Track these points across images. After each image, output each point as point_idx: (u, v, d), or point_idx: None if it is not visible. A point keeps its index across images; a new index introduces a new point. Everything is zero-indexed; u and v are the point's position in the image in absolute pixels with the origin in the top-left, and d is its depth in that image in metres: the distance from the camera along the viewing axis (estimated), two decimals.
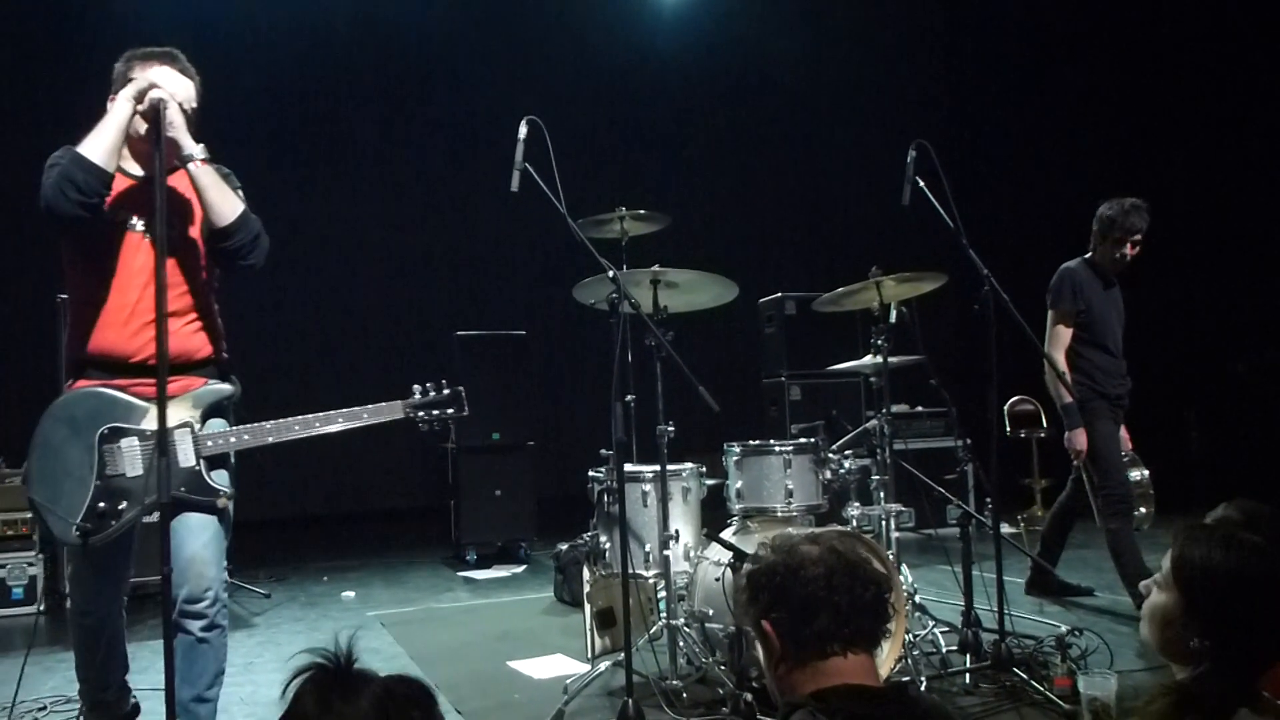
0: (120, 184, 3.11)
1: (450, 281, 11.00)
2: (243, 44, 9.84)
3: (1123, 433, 5.44)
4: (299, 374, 10.14)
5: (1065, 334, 5.34)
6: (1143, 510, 5.31)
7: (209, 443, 3.10)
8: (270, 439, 3.16)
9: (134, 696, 3.65)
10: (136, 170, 3.20)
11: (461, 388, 3.41)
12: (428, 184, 10.97)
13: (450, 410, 3.38)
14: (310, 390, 9.83)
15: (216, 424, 3.18)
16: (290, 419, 3.18)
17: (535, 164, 3.90)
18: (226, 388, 3.25)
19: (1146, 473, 5.40)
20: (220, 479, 3.12)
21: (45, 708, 4.26)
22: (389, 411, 3.29)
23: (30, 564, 6.24)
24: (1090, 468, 5.29)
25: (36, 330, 7.13)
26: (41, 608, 6.23)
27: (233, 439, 3.15)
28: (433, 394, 3.37)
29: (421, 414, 3.34)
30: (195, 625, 3.02)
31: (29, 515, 6.18)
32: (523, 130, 3.93)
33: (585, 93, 10.91)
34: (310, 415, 3.19)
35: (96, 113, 3.12)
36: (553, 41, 11.00)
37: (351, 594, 6.61)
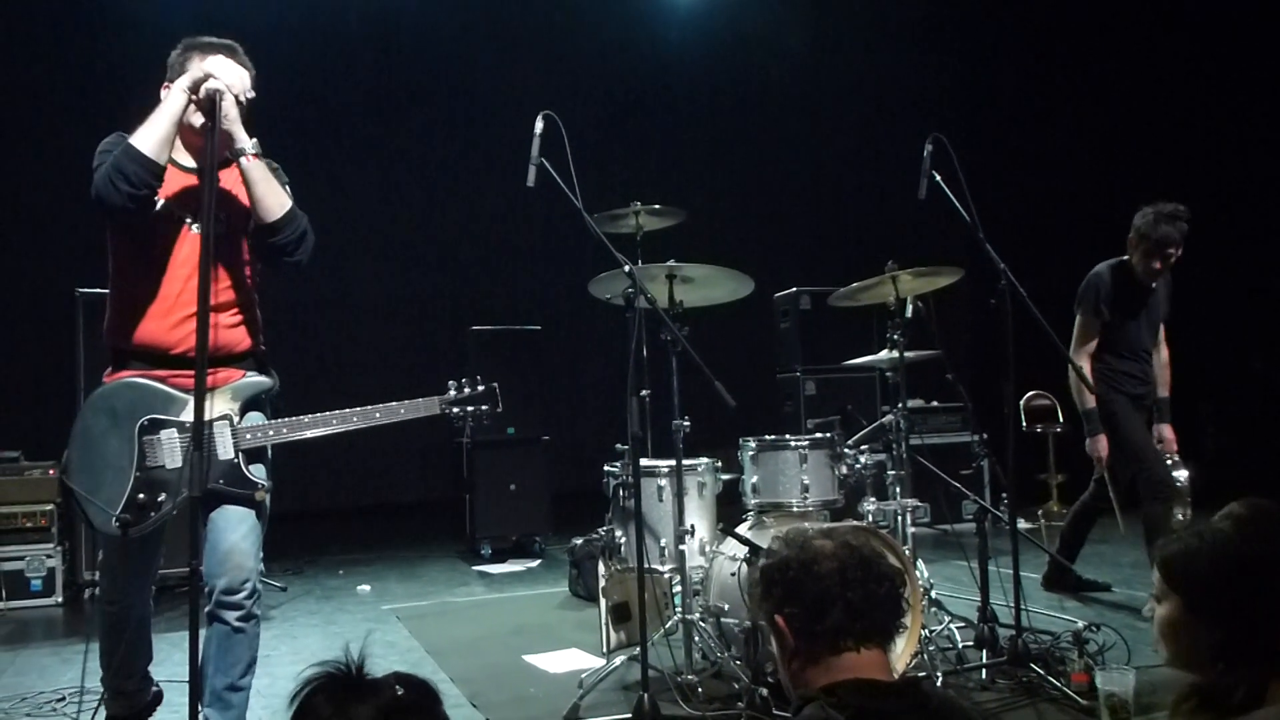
0: (170, 175, 3.09)
1: (466, 276, 11.00)
2: (259, 37, 9.84)
3: (1167, 433, 5.36)
4: (315, 368, 10.16)
5: (1090, 339, 5.26)
6: (1180, 515, 5.09)
7: (247, 436, 3.10)
8: (309, 433, 3.16)
9: (156, 686, 3.67)
10: (188, 162, 3.19)
11: (496, 384, 3.49)
12: (443, 178, 10.98)
13: (485, 406, 3.45)
14: (328, 384, 9.84)
15: (255, 417, 3.19)
16: (328, 413, 3.18)
17: (551, 159, 3.90)
18: (266, 381, 3.25)
19: (1186, 474, 5.23)
20: (258, 472, 3.12)
21: (64, 698, 4.29)
22: (426, 408, 3.33)
23: (49, 556, 6.28)
24: (1122, 464, 5.20)
25: (53, 326, 7.17)
26: (60, 599, 6.29)
27: (271, 432, 3.15)
28: (468, 390, 3.43)
29: (457, 410, 3.39)
30: (232, 615, 3.02)
31: (47, 507, 6.24)
32: (539, 125, 3.93)
33: (601, 87, 10.90)
34: (348, 410, 3.20)
35: (133, 108, 3.10)
36: (569, 36, 10.99)
37: (367, 588, 6.64)
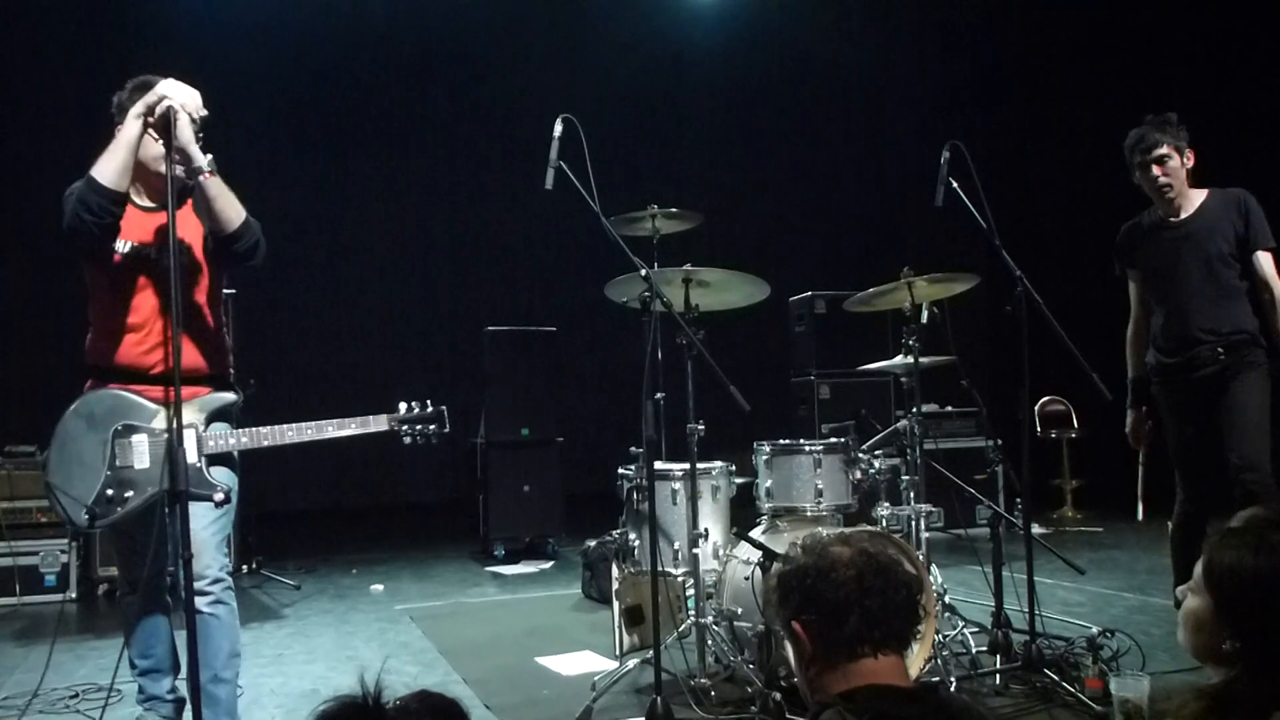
0: (132, 216, 3.34)
1: (482, 277, 11.05)
2: (274, 39, 9.92)
3: None
4: (334, 368, 10.23)
5: (1134, 302, 4.64)
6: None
7: (210, 442, 3.36)
8: (267, 442, 3.42)
9: (178, 691, 3.71)
10: (146, 203, 3.44)
11: (444, 407, 3.64)
12: (461, 180, 11.03)
13: (433, 427, 3.62)
14: (344, 383, 9.92)
15: (219, 427, 3.44)
16: (286, 425, 3.43)
17: (569, 162, 3.91)
18: (230, 396, 3.52)
19: None
20: (219, 475, 3.36)
21: (77, 695, 4.33)
22: (375, 424, 3.54)
23: (63, 551, 6.31)
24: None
25: (69, 323, 7.19)
26: (74, 595, 6.32)
27: (232, 440, 3.42)
28: (417, 410, 3.61)
29: (405, 428, 3.58)
30: (202, 602, 3.23)
31: None
32: (558, 128, 3.94)
33: (619, 91, 10.91)
34: (304, 424, 3.44)
35: (105, 135, 3.30)
36: (587, 39, 11.02)
37: (380, 587, 6.66)
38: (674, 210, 4.75)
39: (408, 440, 3.57)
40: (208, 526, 3.31)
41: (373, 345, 10.57)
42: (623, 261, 4.00)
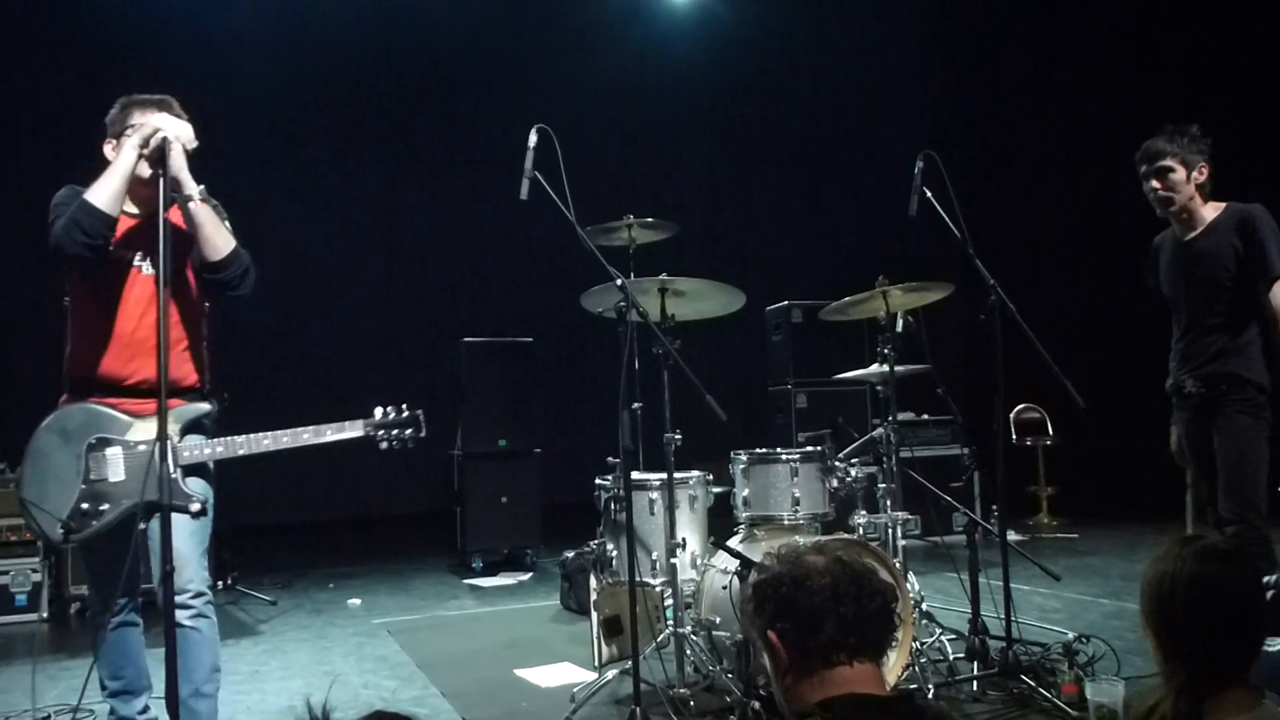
0: (122, 223, 3.35)
1: (458, 288, 11.03)
2: (251, 49, 9.89)
3: None
4: (310, 380, 10.18)
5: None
6: None
7: (185, 454, 3.33)
8: (242, 451, 3.40)
9: (150, 712, 3.68)
10: (133, 209, 3.43)
11: (420, 411, 3.60)
12: (435, 190, 11.01)
13: (409, 431, 3.58)
14: (320, 395, 9.83)
15: (194, 438, 3.42)
16: (261, 434, 3.41)
17: (544, 172, 3.92)
18: (205, 406, 3.50)
19: None
20: (195, 486, 3.34)
21: (49, 717, 4.25)
22: (351, 429, 3.52)
23: (34, 570, 6.22)
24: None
25: (39, 336, 7.15)
26: (45, 615, 6.24)
27: (207, 450, 3.40)
28: (393, 415, 3.57)
29: (381, 433, 3.55)
30: (182, 615, 3.22)
31: None
32: (533, 138, 3.95)
33: (594, 100, 10.94)
34: (280, 431, 3.42)
35: (96, 146, 3.37)
36: (561, 49, 11.03)
37: (357, 601, 6.62)
38: (650, 220, 4.77)
39: (384, 445, 3.53)
40: (187, 539, 3.30)
41: (349, 357, 10.53)
42: (599, 271, 4.00)
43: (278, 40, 10.09)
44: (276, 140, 10.32)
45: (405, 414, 3.59)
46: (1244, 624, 1.99)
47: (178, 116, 3.44)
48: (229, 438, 3.43)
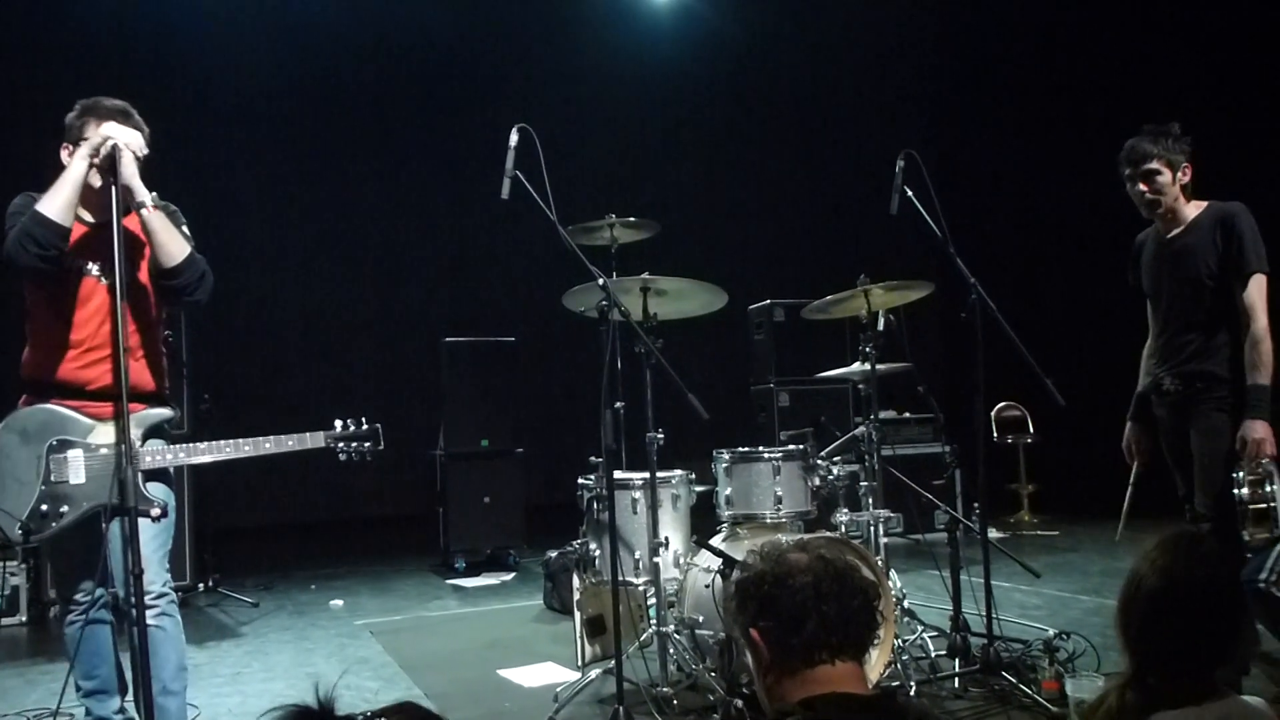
0: (76, 231, 3.36)
1: (440, 288, 11.01)
2: (239, 48, 9.85)
3: (1259, 431, 3.81)
4: (288, 377, 10.15)
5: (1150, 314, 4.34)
6: (1261, 534, 3.96)
7: (147, 458, 3.37)
8: (205, 457, 3.48)
9: (127, 712, 3.67)
10: (88, 217, 3.44)
11: (379, 425, 3.68)
12: (417, 190, 10.98)
13: (368, 444, 3.68)
14: (300, 393, 9.84)
15: (155, 444, 3.45)
16: (224, 441, 3.46)
17: (526, 171, 3.91)
18: (166, 412, 3.53)
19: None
20: (156, 490, 3.37)
21: None
22: (313, 440, 3.58)
23: (13, 574, 6.17)
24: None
25: (12, 335, 7.08)
26: (25, 618, 6.20)
27: (169, 455, 3.46)
28: (352, 427, 3.66)
29: (341, 445, 3.63)
30: (146, 615, 3.22)
31: None
32: (514, 138, 3.93)
33: (576, 100, 10.93)
34: (242, 440, 3.47)
35: (54, 156, 3.39)
36: (544, 48, 11.02)
37: (339, 602, 6.59)
38: (632, 219, 4.76)
39: (343, 457, 3.61)
40: (149, 543, 3.30)
41: (330, 358, 10.49)
42: (581, 271, 4.00)
43: (256, 40, 10.04)
44: (253, 141, 10.27)
45: (365, 427, 3.66)
46: (1206, 624, 1.98)
47: (135, 127, 3.44)
48: (190, 444, 3.50)
